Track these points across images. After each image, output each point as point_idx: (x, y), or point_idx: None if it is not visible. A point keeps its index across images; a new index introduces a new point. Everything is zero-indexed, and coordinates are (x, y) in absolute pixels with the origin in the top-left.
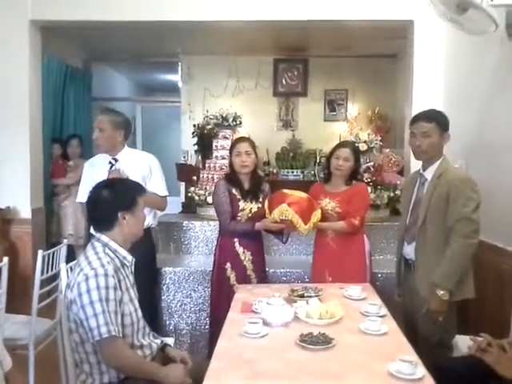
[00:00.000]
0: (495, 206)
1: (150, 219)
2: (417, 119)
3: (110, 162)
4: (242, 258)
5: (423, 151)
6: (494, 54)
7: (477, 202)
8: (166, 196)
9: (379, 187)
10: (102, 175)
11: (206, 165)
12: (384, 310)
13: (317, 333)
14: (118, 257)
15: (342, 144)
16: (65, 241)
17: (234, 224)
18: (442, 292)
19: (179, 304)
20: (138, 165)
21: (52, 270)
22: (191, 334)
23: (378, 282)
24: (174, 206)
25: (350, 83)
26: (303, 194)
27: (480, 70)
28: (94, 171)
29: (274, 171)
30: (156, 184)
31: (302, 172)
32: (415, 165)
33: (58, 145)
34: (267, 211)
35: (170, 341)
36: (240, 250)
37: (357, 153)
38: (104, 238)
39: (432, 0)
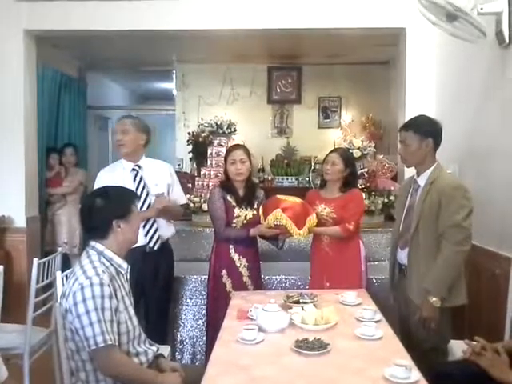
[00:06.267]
0: (488, 210)
1: (172, 229)
2: (399, 128)
3: (134, 169)
4: (238, 264)
5: (403, 159)
6: (484, 60)
7: (468, 209)
8: (184, 204)
9: (373, 193)
10: (127, 183)
11: (201, 172)
12: (379, 316)
13: (312, 338)
14: (113, 265)
15: (332, 150)
16: (59, 249)
17: (229, 231)
18: (433, 299)
19: (174, 312)
20: (162, 173)
21: (47, 279)
22: (187, 341)
23: (373, 287)
24: None
25: (343, 90)
26: (297, 199)
27: (471, 77)
28: (113, 177)
29: (269, 178)
30: (178, 193)
31: (297, 179)
32: (409, 171)
33: (55, 154)
34: (262, 217)
35: (166, 349)
36: (235, 256)
37: (348, 158)
38: (99, 246)
39: (422, 10)
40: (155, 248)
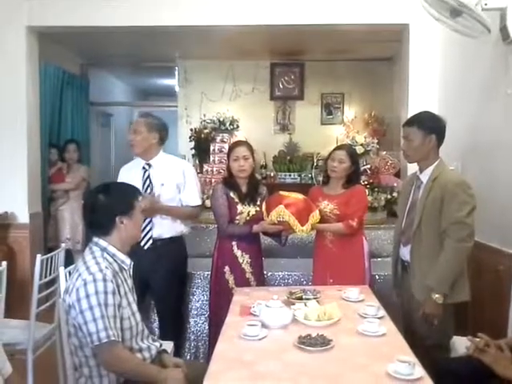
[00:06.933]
0: (491, 207)
1: (182, 227)
2: (403, 124)
3: (144, 168)
4: (241, 261)
5: (406, 155)
6: (488, 56)
7: (471, 205)
8: (198, 205)
9: (376, 189)
10: (136, 181)
11: (204, 169)
12: (382, 312)
13: (315, 334)
14: (116, 261)
15: (338, 147)
16: (63, 245)
17: (232, 227)
18: (436, 295)
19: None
20: (173, 172)
21: (50, 275)
22: (190, 338)
23: (376, 283)
24: None
25: (346, 87)
26: (300, 196)
27: (475, 73)
28: (128, 175)
29: (272, 174)
30: (189, 194)
31: (300, 175)
32: (412, 167)
33: (55, 149)
34: (265, 213)
35: (169, 345)
36: (238, 253)
37: (353, 155)
38: (102, 242)
39: (425, 5)
40: (145, 248)
